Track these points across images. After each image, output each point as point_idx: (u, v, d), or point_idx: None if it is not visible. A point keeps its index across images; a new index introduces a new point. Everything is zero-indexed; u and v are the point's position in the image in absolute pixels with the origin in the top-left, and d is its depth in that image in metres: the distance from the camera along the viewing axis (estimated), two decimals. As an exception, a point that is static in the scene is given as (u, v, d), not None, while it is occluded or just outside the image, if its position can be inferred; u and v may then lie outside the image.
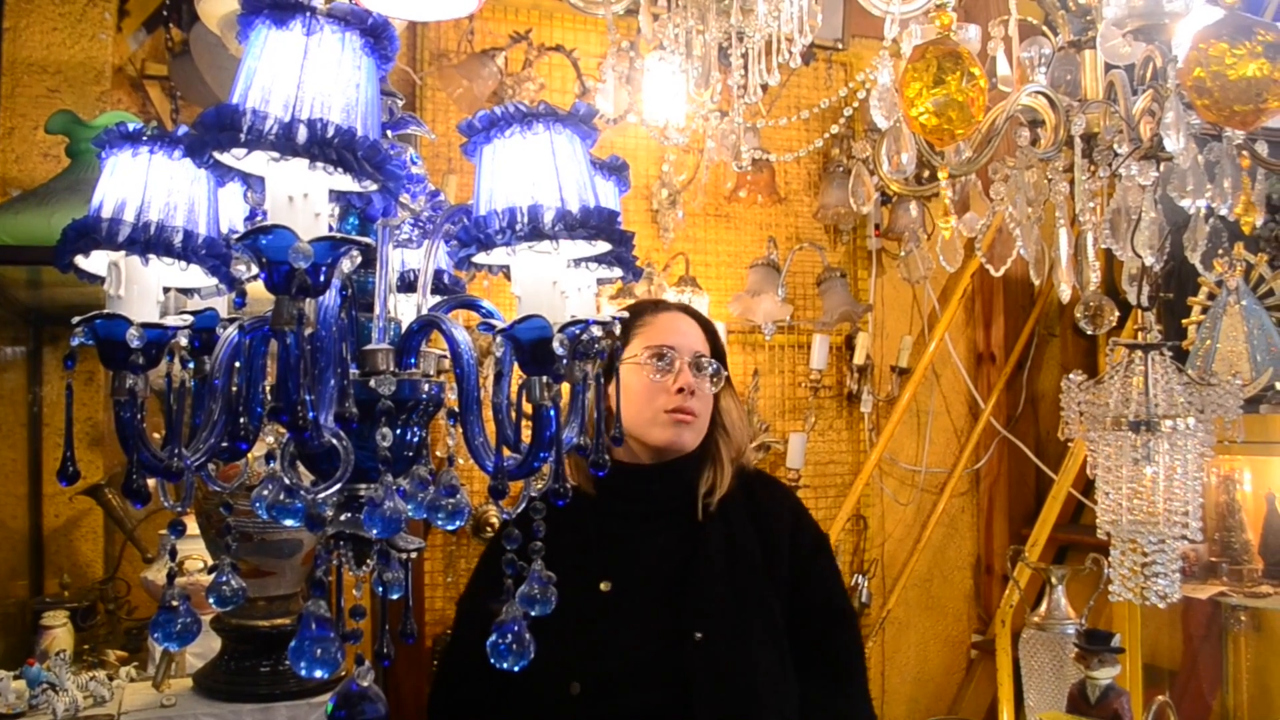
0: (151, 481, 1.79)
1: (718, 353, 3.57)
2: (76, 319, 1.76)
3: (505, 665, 1.78)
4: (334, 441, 1.61)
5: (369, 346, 1.77)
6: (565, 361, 1.65)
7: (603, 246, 1.71)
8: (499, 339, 1.67)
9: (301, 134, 1.48)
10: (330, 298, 1.65)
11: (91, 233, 1.74)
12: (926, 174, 3.59)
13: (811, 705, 3.32)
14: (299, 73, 1.54)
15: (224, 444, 1.76)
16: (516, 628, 1.78)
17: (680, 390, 3.37)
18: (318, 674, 1.69)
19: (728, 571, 3.32)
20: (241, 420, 1.74)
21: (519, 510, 1.82)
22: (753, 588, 3.33)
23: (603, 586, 3.27)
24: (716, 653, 3.19)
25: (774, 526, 3.48)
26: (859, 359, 7.16)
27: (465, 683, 3.43)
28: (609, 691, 3.17)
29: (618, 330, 1.94)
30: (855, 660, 3.55)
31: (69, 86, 5.05)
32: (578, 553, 3.22)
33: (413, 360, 1.81)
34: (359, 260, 1.61)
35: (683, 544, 3.36)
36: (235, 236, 1.54)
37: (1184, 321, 5.85)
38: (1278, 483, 5.75)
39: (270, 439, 1.77)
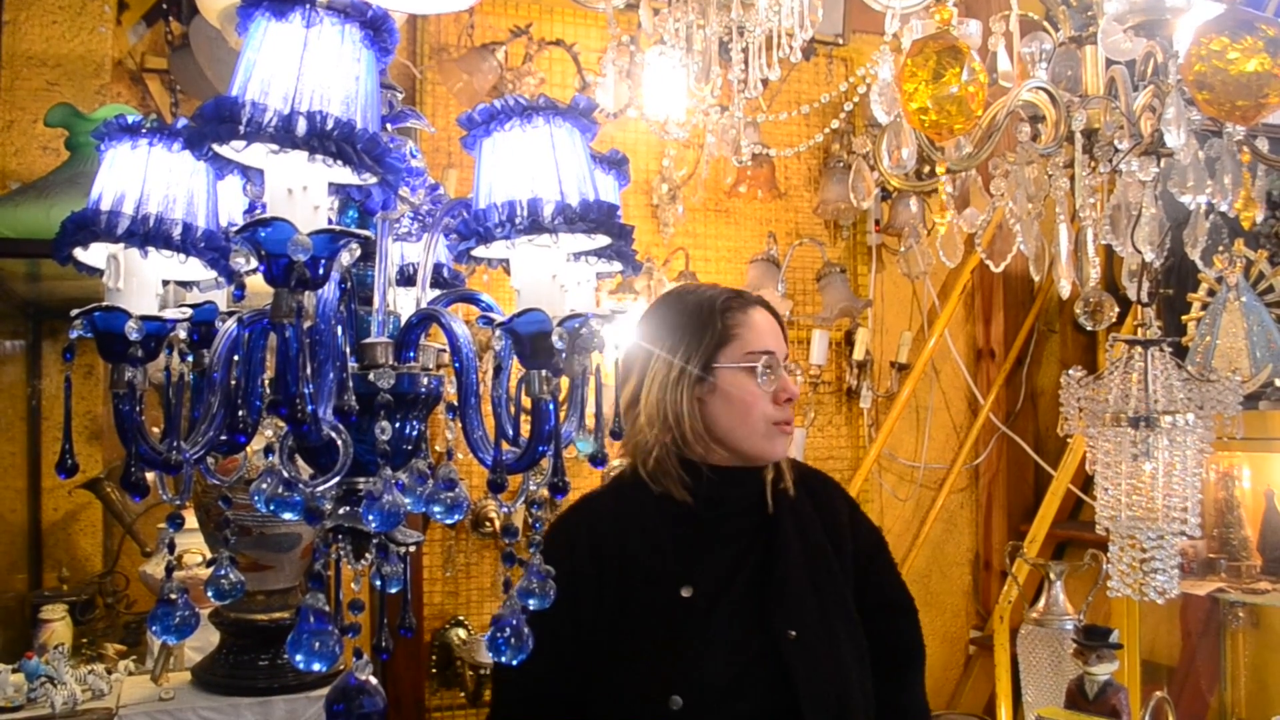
0: (150, 475, 1.79)
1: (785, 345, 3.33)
2: (75, 311, 1.76)
3: (504, 659, 1.78)
4: (333, 435, 1.61)
5: (368, 340, 1.77)
6: (564, 355, 1.65)
7: (602, 240, 1.71)
8: (498, 333, 1.67)
9: (301, 126, 1.48)
10: (329, 291, 1.65)
11: (90, 225, 1.74)
12: (927, 169, 3.60)
13: (878, 700, 3.21)
14: (298, 65, 1.53)
15: (223, 437, 1.75)
16: (515, 621, 1.77)
17: (787, 400, 3.15)
18: (316, 667, 1.69)
19: (806, 564, 3.16)
20: (240, 413, 1.74)
21: (535, 509, 1.82)
22: (829, 580, 3.19)
23: (684, 593, 3.02)
24: (811, 649, 3.04)
25: (836, 519, 3.32)
26: (858, 354, 7.16)
27: (541, 709, 3.12)
28: (712, 702, 2.97)
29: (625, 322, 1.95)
30: (917, 654, 3.49)
31: (68, 80, 5.05)
32: (652, 559, 3.08)
33: (412, 354, 1.81)
34: (358, 253, 1.61)
35: (756, 540, 3.16)
36: (234, 229, 1.54)
37: (1184, 318, 5.85)
38: (1276, 479, 5.75)
39: (269, 432, 1.77)
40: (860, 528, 3.38)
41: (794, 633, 3.02)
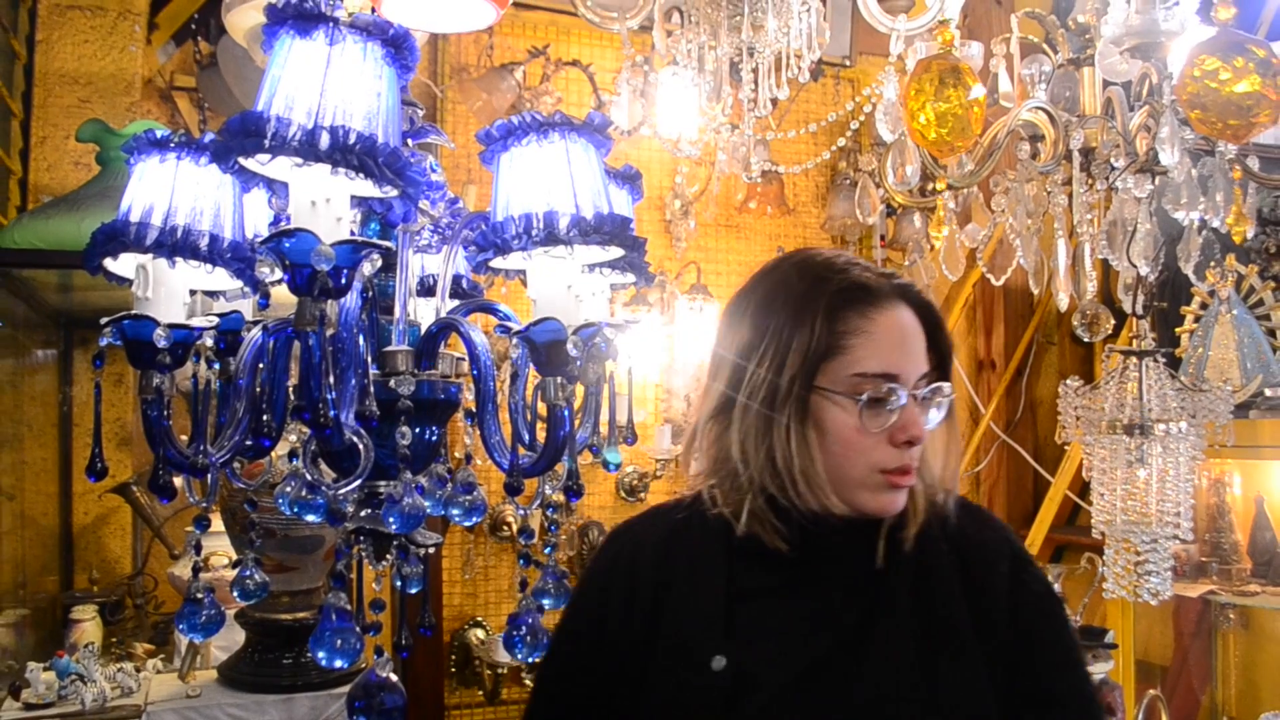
0: (178, 479, 1.79)
1: (941, 350, 2.30)
2: (105, 320, 1.76)
3: (519, 656, 1.77)
4: (355, 439, 1.61)
5: (389, 348, 1.76)
6: (579, 363, 1.64)
7: (616, 252, 1.70)
8: (515, 341, 1.67)
9: (324, 140, 1.47)
10: (351, 300, 1.64)
11: (120, 236, 1.74)
12: (931, 187, 3.59)
13: None
14: (322, 81, 1.53)
15: (248, 442, 1.75)
16: (531, 620, 1.77)
17: (906, 442, 2.17)
18: (338, 664, 1.69)
19: (918, 643, 2.16)
20: (265, 419, 1.73)
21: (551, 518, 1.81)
22: (954, 669, 2.16)
23: (715, 663, 2.12)
24: None
25: (988, 580, 2.26)
26: (864, 364, 7.12)
27: None
28: None
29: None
30: None
31: (99, 97, 5.06)
32: (689, 612, 2.22)
33: (431, 362, 1.81)
34: (380, 264, 1.60)
35: (850, 601, 2.20)
36: (260, 240, 1.54)
37: (1177, 330, 5.84)
38: (1266, 486, 5.74)
39: (293, 437, 1.76)
40: (1024, 591, 2.29)
41: None
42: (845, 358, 2.14)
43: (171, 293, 1.82)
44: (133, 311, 1.76)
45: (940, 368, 2.27)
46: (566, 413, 1.68)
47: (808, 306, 2.16)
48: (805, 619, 2.18)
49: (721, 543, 2.24)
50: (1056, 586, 3.56)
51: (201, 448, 1.73)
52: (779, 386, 2.13)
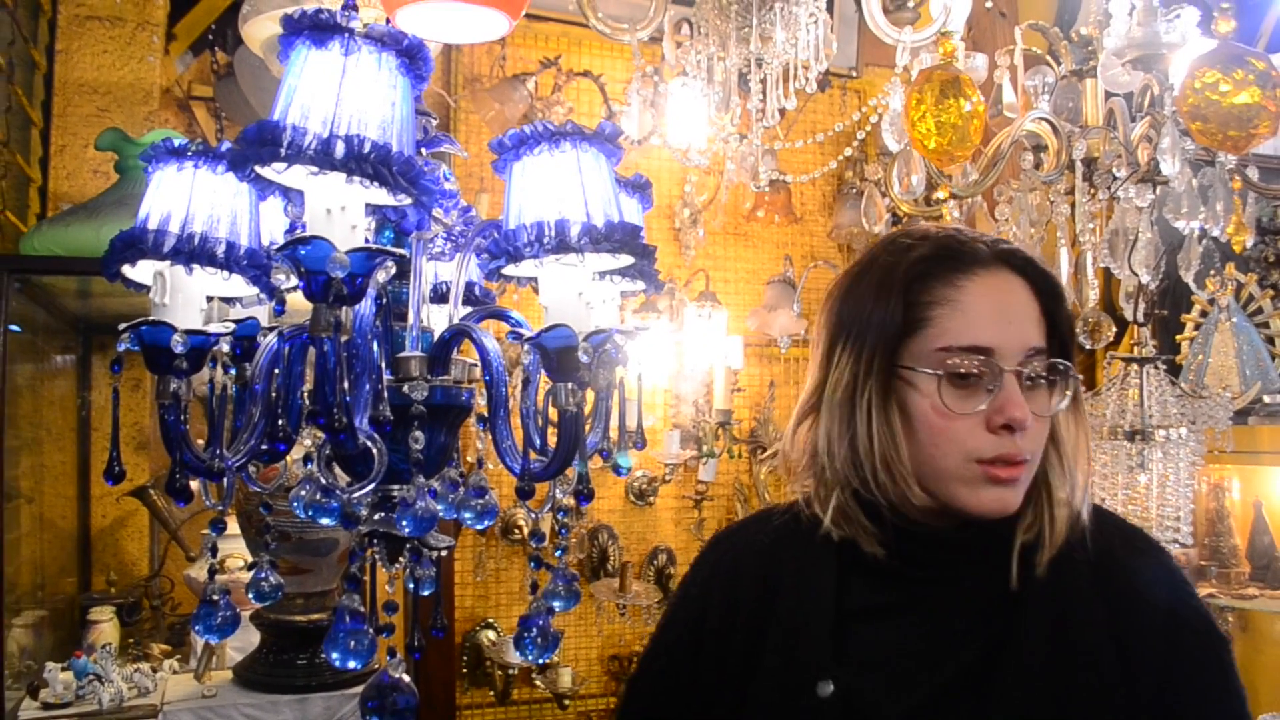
0: (194, 482, 1.78)
1: (1060, 328, 1.98)
2: (123, 325, 1.76)
3: (530, 657, 1.77)
4: (369, 444, 1.61)
5: (403, 354, 1.76)
6: (590, 369, 1.64)
7: (626, 260, 1.70)
8: (527, 347, 1.67)
9: (339, 149, 1.47)
10: (366, 307, 1.64)
11: (138, 243, 1.73)
12: (935, 196, 3.60)
13: None
14: (337, 91, 1.53)
15: (264, 446, 1.75)
16: (541, 622, 1.76)
17: (1004, 427, 1.87)
18: (351, 664, 1.69)
19: (1054, 674, 1.84)
20: (280, 423, 1.73)
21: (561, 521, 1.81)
22: (1094, 706, 1.84)
23: (822, 690, 1.90)
24: None
25: (1139, 614, 1.90)
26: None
27: None
28: None
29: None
30: None
31: (118, 106, 5.06)
32: (795, 632, 2.01)
33: (444, 368, 1.81)
34: (393, 271, 1.61)
35: (979, 628, 1.91)
36: (275, 247, 1.53)
37: (1177, 337, 5.85)
38: (1265, 490, 5.74)
39: (308, 441, 1.76)
40: (1186, 632, 1.91)
41: None
42: (930, 330, 1.90)
43: (189, 299, 1.82)
44: (150, 317, 1.76)
45: (1059, 347, 1.96)
46: (577, 418, 1.68)
47: (890, 279, 1.94)
48: (922, 645, 1.92)
49: (832, 554, 2.03)
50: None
51: (218, 452, 1.73)
52: (858, 371, 1.93)
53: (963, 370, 1.86)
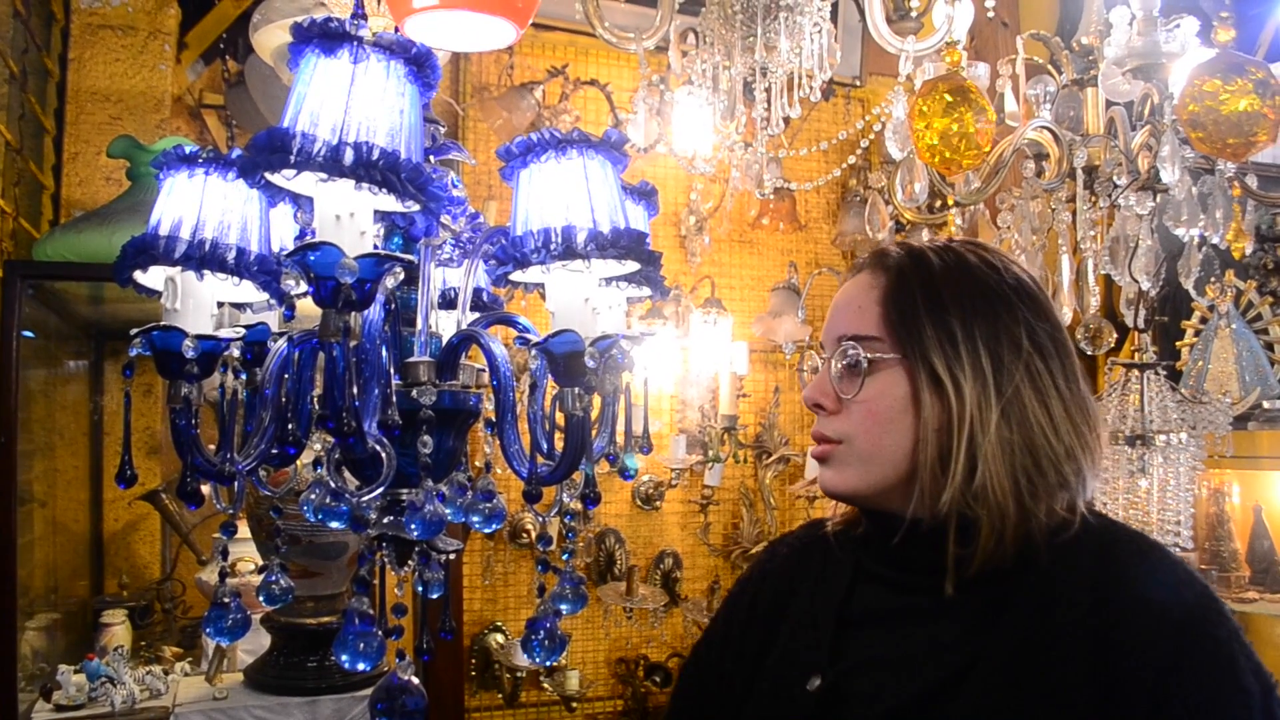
0: (206, 486, 1.78)
1: (903, 313, 1.94)
2: (135, 331, 1.76)
3: (537, 660, 1.77)
4: (377, 448, 1.60)
5: (411, 359, 1.76)
6: (597, 374, 1.63)
7: (632, 266, 1.69)
8: (534, 353, 1.66)
9: (348, 156, 1.47)
10: (375, 312, 1.64)
11: (149, 249, 1.73)
12: (939, 203, 3.60)
13: None
14: (346, 98, 1.53)
15: (274, 450, 1.75)
16: (549, 624, 1.76)
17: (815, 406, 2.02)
18: (360, 667, 1.69)
19: (1018, 690, 1.76)
20: (290, 427, 1.73)
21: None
22: None
23: (810, 684, 1.95)
24: None
25: (1131, 640, 1.74)
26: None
27: None
28: None
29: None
30: None
31: (130, 114, 5.07)
32: (804, 628, 2.08)
33: (452, 373, 1.80)
34: (402, 277, 1.60)
35: (966, 639, 1.84)
36: (285, 253, 1.53)
37: (1178, 343, 5.85)
38: (1264, 495, 5.73)
39: (318, 446, 1.76)
40: (1183, 633, 1.80)
41: None
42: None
43: (199, 305, 1.82)
44: (161, 323, 1.76)
45: (902, 332, 1.93)
46: (584, 422, 1.68)
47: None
48: (916, 652, 1.89)
49: (850, 561, 2.08)
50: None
51: (228, 456, 1.73)
52: None
53: (819, 364, 2.03)
